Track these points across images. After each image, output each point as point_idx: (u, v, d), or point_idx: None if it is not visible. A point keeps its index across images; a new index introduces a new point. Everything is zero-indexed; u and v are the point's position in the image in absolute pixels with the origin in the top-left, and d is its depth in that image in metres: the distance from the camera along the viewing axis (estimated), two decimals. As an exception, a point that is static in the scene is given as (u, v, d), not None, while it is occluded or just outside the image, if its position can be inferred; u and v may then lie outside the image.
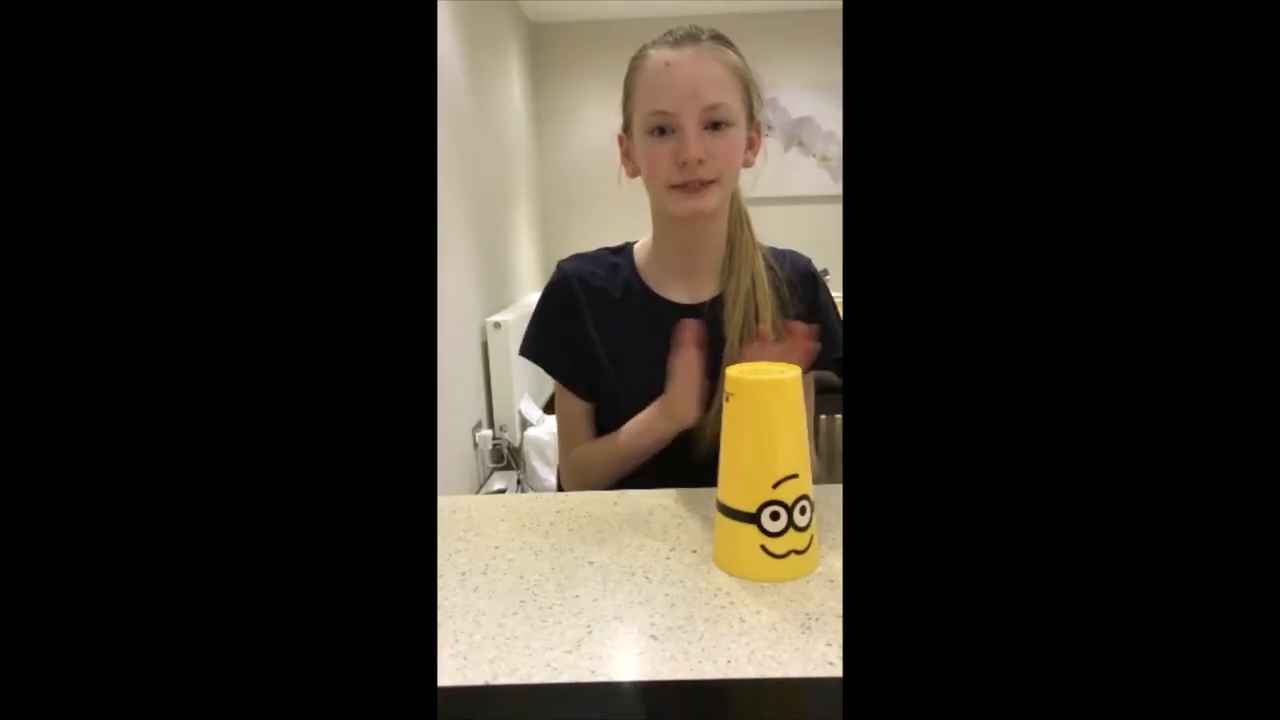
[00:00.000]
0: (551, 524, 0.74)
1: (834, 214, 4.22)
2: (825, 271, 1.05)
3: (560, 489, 0.97)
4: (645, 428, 0.85)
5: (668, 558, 0.66)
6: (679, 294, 0.90)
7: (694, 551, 0.67)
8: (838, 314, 0.95)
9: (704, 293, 0.90)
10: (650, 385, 0.84)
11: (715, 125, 0.80)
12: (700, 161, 0.80)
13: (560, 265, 0.93)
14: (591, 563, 0.65)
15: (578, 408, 0.93)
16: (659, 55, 0.81)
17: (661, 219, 0.89)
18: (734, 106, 0.81)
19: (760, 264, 0.89)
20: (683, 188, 0.81)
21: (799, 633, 0.53)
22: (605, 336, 0.90)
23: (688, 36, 0.81)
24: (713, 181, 0.81)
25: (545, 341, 0.93)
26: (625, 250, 0.95)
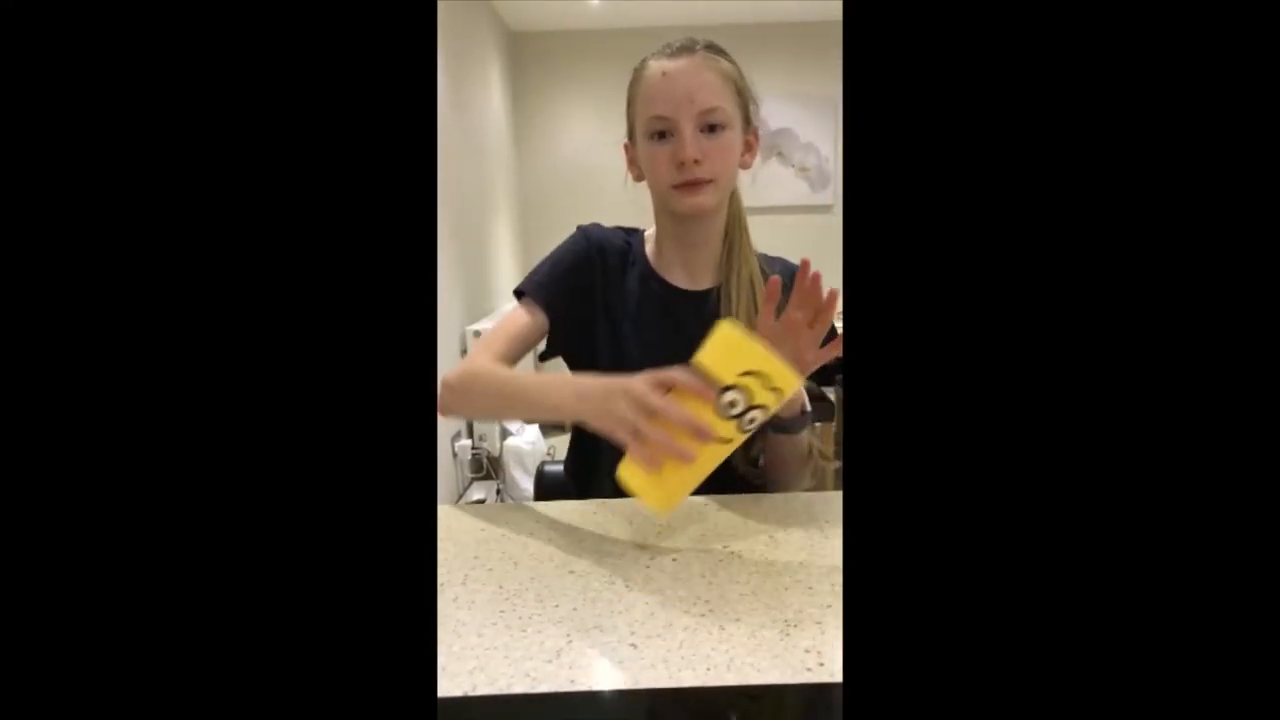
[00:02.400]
0: (531, 533, 0.74)
1: (812, 224, 4.25)
2: None
3: (533, 489, 0.97)
4: (554, 399, 0.79)
5: (647, 566, 0.66)
6: (680, 281, 0.95)
7: (674, 559, 0.67)
8: None
9: (703, 283, 0.95)
10: (632, 352, 0.89)
11: (711, 128, 0.85)
12: (697, 161, 0.84)
13: (581, 227, 0.98)
14: (571, 572, 0.65)
15: (526, 324, 0.91)
16: (657, 65, 0.87)
17: (664, 218, 0.94)
18: (728, 110, 0.86)
19: (755, 264, 0.95)
20: (683, 187, 0.86)
21: (778, 639, 0.54)
22: (608, 294, 0.94)
23: (683, 48, 0.87)
24: (710, 181, 0.86)
25: (545, 276, 0.93)
26: (637, 233, 1.00)
